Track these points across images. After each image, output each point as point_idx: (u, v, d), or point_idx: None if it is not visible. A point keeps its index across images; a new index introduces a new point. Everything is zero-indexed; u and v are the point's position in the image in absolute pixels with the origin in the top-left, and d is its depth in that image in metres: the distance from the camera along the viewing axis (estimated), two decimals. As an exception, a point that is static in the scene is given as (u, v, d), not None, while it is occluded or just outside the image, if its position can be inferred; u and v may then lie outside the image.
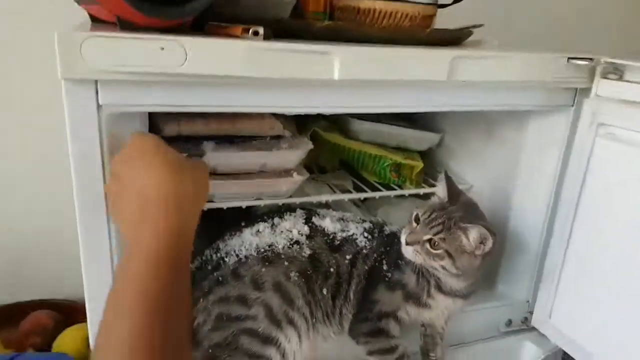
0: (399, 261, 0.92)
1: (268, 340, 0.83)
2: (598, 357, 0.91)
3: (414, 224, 0.89)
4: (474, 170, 1.25)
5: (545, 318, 1.05)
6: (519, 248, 1.12)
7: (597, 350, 0.91)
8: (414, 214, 0.91)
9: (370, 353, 0.92)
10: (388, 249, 0.94)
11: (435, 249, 0.86)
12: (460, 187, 1.20)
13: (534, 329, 1.11)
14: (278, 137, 0.98)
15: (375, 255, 0.94)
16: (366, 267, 0.92)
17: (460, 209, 0.89)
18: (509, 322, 1.13)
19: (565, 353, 1.04)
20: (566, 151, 1.00)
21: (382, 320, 0.91)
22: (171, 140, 0.89)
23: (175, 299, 0.57)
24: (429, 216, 0.87)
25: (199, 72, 0.67)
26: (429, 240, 0.86)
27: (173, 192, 0.60)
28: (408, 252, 0.88)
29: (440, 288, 0.91)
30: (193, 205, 0.64)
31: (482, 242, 0.85)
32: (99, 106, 0.64)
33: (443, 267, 0.87)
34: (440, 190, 0.94)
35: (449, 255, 0.85)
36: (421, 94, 0.86)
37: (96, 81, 0.63)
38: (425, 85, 0.85)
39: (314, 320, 0.89)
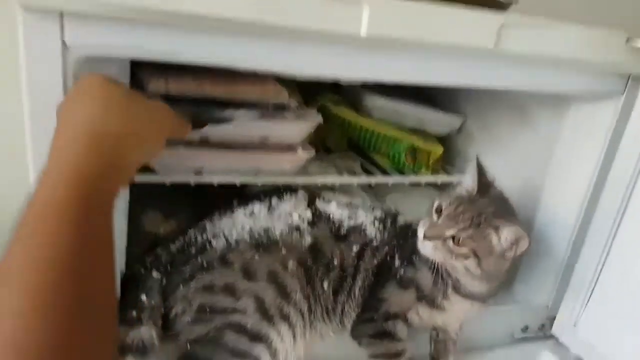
0: (413, 257, 0.82)
1: (257, 338, 0.74)
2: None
3: (435, 216, 0.79)
4: (498, 161, 1.13)
5: (568, 327, 0.96)
6: (544, 249, 1.02)
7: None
8: (436, 203, 0.80)
9: (373, 356, 0.82)
10: (401, 242, 0.85)
11: (459, 247, 0.75)
12: None
13: (552, 337, 1.02)
14: (282, 107, 0.87)
15: (386, 248, 0.84)
16: (375, 262, 0.83)
17: (492, 203, 0.78)
18: (525, 328, 1.03)
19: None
20: (611, 145, 0.89)
21: (389, 321, 0.81)
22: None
23: (86, 258, 0.46)
24: (456, 209, 0.77)
25: (192, 11, 0.55)
26: (453, 237, 0.76)
27: (102, 130, 0.51)
28: (426, 248, 0.78)
29: (458, 289, 0.82)
30: (132, 150, 0.54)
31: (514, 243, 0.75)
32: (64, 47, 0.53)
33: (466, 268, 0.77)
34: (468, 179, 0.83)
35: (475, 255, 0.75)
36: (458, 63, 0.74)
37: (61, 13, 0.51)
38: (465, 54, 0.72)
39: (312, 317, 0.80)
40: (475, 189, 0.80)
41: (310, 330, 0.79)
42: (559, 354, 0.98)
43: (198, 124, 0.66)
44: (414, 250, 0.81)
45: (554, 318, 1.01)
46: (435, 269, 0.79)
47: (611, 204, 0.88)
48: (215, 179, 0.86)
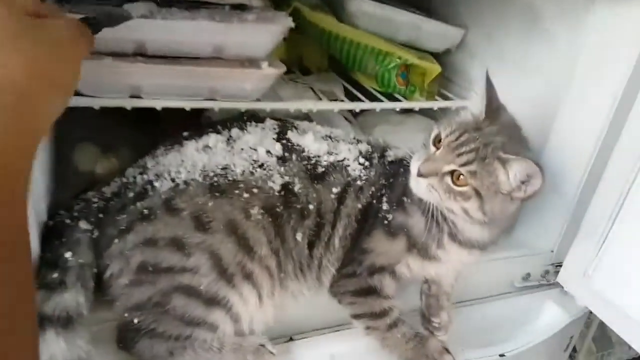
0: (404, 199, 0.72)
1: (213, 302, 0.64)
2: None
3: (433, 149, 0.68)
4: (504, 80, 0.98)
5: (577, 276, 0.88)
6: (552, 186, 0.90)
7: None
8: (434, 132, 0.69)
9: (355, 316, 0.74)
10: (391, 181, 0.74)
11: (459, 185, 0.65)
12: None
13: (555, 285, 0.94)
14: (242, 7, 0.71)
15: (372, 189, 0.73)
16: (359, 206, 0.72)
17: (502, 132, 0.67)
18: (527, 276, 0.96)
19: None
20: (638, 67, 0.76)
21: (375, 275, 0.72)
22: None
23: None
24: (458, 138, 0.66)
25: None
26: (452, 173, 0.65)
27: None
28: (420, 186, 0.68)
29: (454, 237, 0.72)
30: (42, 101, 0.40)
31: (525, 181, 0.65)
32: None
33: (464, 211, 0.67)
34: (475, 104, 0.72)
35: (478, 194, 0.65)
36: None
37: None
38: None
39: (282, 274, 0.69)
40: (483, 113, 0.69)
41: (280, 290, 0.69)
42: (564, 305, 0.91)
43: (95, 26, 0.48)
44: (405, 191, 0.71)
45: (559, 265, 0.93)
46: (430, 213, 0.69)
47: (636, 135, 0.76)
48: (158, 103, 0.71)
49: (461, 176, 0.65)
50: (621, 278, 0.80)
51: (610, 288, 0.82)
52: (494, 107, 0.70)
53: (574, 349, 1.45)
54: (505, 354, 0.82)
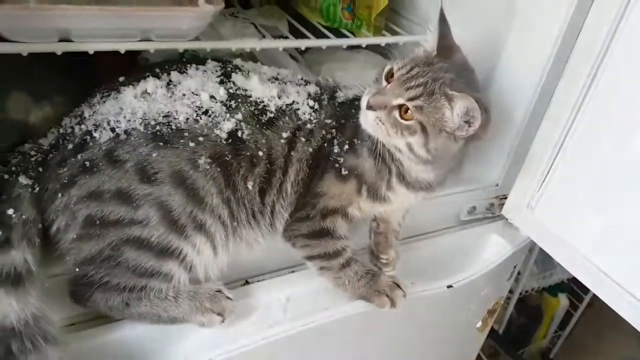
0: (355, 140, 0.74)
1: (166, 253, 0.66)
2: (596, 261, 0.82)
3: (384, 83, 0.70)
4: (453, 14, 1.02)
5: (521, 208, 0.95)
6: (498, 119, 0.94)
7: (594, 258, 0.82)
8: (387, 67, 0.71)
9: (309, 258, 0.78)
10: (342, 122, 0.76)
11: (405, 120, 0.68)
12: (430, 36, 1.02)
13: (499, 217, 1.03)
14: None
15: (323, 132, 0.75)
16: (310, 150, 0.74)
17: (452, 69, 0.70)
18: (473, 210, 1.03)
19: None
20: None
21: (328, 218, 0.76)
22: None
23: None
24: (408, 72, 0.68)
25: None
26: (400, 107, 0.68)
27: None
28: (368, 119, 0.70)
29: (403, 178, 0.76)
30: None
31: (468, 120, 0.68)
32: None
33: (409, 147, 0.70)
34: (429, 40, 0.73)
35: (423, 129, 0.68)
36: None
37: None
38: None
39: (235, 223, 0.72)
40: (435, 50, 0.71)
41: (234, 238, 0.72)
42: (508, 236, 0.99)
43: None
44: (356, 133, 0.73)
45: (503, 197, 1.01)
46: (378, 153, 0.72)
47: (581, 65, 0.81)
48: (89, 46, 0.69)
49: (408, 110, 0.67)
50: (562, 209, 0.87)
51: (552, 219, 0.89)
52: (447, 44, 0.72)
53: (518, 272, 1.61)
54: (452, 285, 0.89)
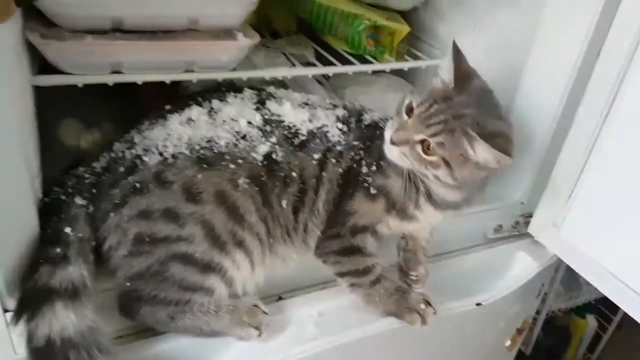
0: (382, 162, 0.78)
1: (209, 268, 0.71)
2: (624, 279, 0.84)
3: (405, 117, 0.74)
4: (472, 36, 1.09)
5: (547, 227, 0.97)
6: (521, 139, 0.99)
7: (624, 276, 0.83)
8: (406, 101, 0.75)
9: (340, 274, 0.82)
10: (368, 145, 0.80)
11: (429, 155, 0.72)
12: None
13: (526, 235, 1.05)
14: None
15: (351, 153, 0.79)
16: (340, 170, 0.79)
17: (471, 102, 0.72)
18: (499, 228, 1.06)
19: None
20: (602, 19, 0.84)
21: (358, 235, 0.80)
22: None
23: None
24: (428, 109, 0.71)
25: None
26: (422, 142, 0.71)
27: None
28: (392, 153, 0.74)
29: (430, 197, 0.80)
30: None
31: (494, 164, 0.71)
32: None
33: (435, 177, 0.74)
34: (444, 71, 0.75)
35: (447, 163, 0.72)
36: None
37: None
38: None
39: (271, 240, 0.76)
40: (452, 81, 0.73)
41: (270, 254, 0.77)
42: (534, 253, 1.02)
43: None
44: (382, 155, 0.77)
45: (529, 215, 1.03)
46: (406, 175, 0.76)
47: (601, 88, 0.84)
48: (139, 78, 0.76)
49: (430, 146, 0.71)
50: (589, 227, 0.89)
51: (578, 236, 0.90)
52: (463, 74, 0.74)
53: (544, 292, 1.61)
54: (481, 303, 0.92)
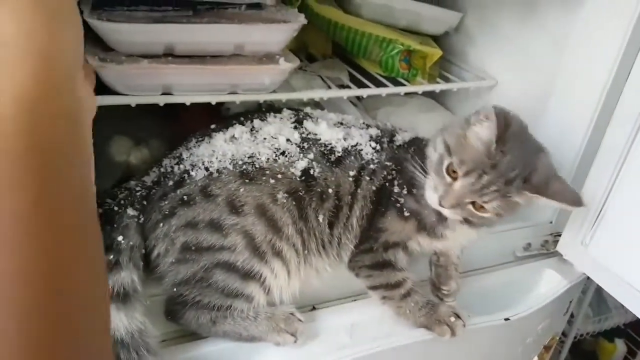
0: (414, 189, 0.81)
1: (249, 276, 0.75)
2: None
3: (447, 179, 0.75)
4: (501, 62, 1.13)
5: (576, 245, 0.98)
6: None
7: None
8: (446, 162, 0.75)
9: (372, 287, 0.85)
10: (400, 166, 0.83)
11: (481, 212, 0.75)
12: (482, 82, 1.09)
13: (554, 254, 1.06)
14: (257, 6, 0.82)
15: (384, 172, 0.82)
16: (373, 188, 0.82)
17: (516, 158, 0.72)
18: (528, 246, 1.07)
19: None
20: (631, 45, 0.86)
21: (389, 250, 0.82)
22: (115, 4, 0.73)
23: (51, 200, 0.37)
24: (478, 179, 0.72)
25: None
26: (473, 202, 0.75)
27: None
28: (444, 212, 0.77)
29: (464, 220, 0.81)
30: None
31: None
32: None
33: (486, 223, 0.79)
34: (482, 128, 0.73)
35: (499, 215, 0.76)
36: None
37: None
38: None
39: (306, 251, 0.80)
40: (494, 142, 0.71)
41: (305, 265, 0.80)
42: (563, 271, 1.03)
43: None
44: (414, 181, 0.80)
45: (557, 234, 1.04)
46: None
47: (628, 111, 0.86)
48: (187, 99, 0.81)
49: (483, 207, 0.74)
50: (616, 246, 0.90)
51: (606, 255, 0.91)
52: (503, 130, 0.72)
53: (572, 315, 1.59)
54: (509, 318, 0.92)
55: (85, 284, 0.38)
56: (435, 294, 0.91)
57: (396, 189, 0.81)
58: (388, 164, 0.82)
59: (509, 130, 0.73)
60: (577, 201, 0.75)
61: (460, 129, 0.77)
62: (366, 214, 0.81)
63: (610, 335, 1.86)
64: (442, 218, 0.81)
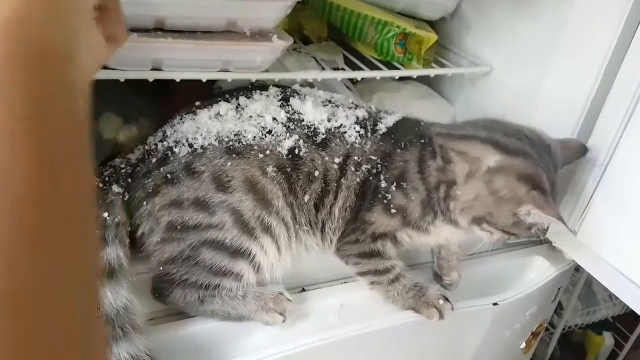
0: (402, 183, 0.78)
1: (238, 253, 0.72)
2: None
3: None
4: (496, 49, 1.11)
5: (565, 232, 0.97)
6: None
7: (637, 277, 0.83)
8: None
9: (361, 274, 0.83)
10: (386, 158, 0.79)
11: (485, 230, 0.77)
12: (477, 68, 1.07)
13: (544, 241, 1.04)
14: (252, -18, 0.78)
15: (369, 166, 0.79)
16: (357, 180, 0.78)
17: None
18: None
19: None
20: (626, 28, 0.84)
21: (378, 241, 0.80)
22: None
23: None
24: None
25: None
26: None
27: None
28: None
29: (450, 220, 0.80)
30: None
31: None
32: None
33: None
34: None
35: (504, 232, 0.78)
36: None
37: None
38: None
39: (297, 226, 0.78)
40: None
41: (295, 241, 0.78)
42: (552, 258, 1.02)
43: None
44: (404, 175, 0.78)
45: (548, 223, 1.03)
46: (427, 201, 0.78)
47: (622, 98, 0.85)
48: (177, 75, 0.78)
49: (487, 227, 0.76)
50: (604, 233, 0.90)
51: (595, 243, 0.91)
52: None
53: (561, 307, 1.58)
54: (498, 303, 0.92)
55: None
56: (440, 283, 0.91)
57: (383, 184, 0.78)
58: (373, 157, 0.79)
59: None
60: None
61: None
62: (349, 205, 0.79)
63: (598, 328, 1.85)
64: (424, 213, 0.79)
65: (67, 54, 0.37)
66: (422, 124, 0.85)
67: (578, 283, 1.54)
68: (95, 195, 0.37)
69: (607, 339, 1.86)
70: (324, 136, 0.78)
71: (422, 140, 0.80)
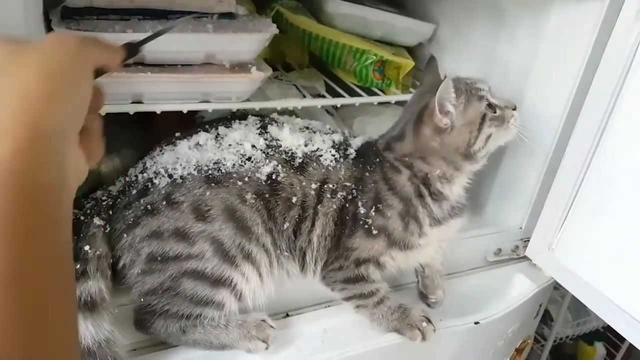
0: (379, 205, 0.78)
1: (219, 282, 0.72)
2: (618, 302, 0.83)
3: None
4: (474, 70, 1.11)
5: (543, 249, 0.98)
6: (519, 167, 1.03)
7: (613, 294, 0.83)
8: None
9: (347, 298, 0.83)
10: (360, 183, 0.80)
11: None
12: None
13: (524, 259, 1.06)
14: (229, 15, 0.79)
15: (344, 193, 0.79)
16: (334, 207, 0.78)
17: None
18: (498, 251, 1.06)
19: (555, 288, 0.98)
20: (595, 49, 0.86)
21: (362, 266, 0.80)
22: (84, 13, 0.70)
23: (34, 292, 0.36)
24: None
25: None
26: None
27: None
28: None
29: (434, 219, 0.81)
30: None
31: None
32: None
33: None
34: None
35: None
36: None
37: None
38: None
39: (278, 251, 0.77)
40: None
41: (277, 267, 0.77)
42: (532, 276, 1.02)
43: (133, 50, 0.57)
44: (379, 196, 0.78)
45: (527, 240, 1.04)
46: (407, 212, 0.78)
47: (592, 119, 0.86)
48: (158, 107, 0.78)
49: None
50: (581, 250, 0.90)
51: (572, 259, 0.91)
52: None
53: (551, 319, 1.57)
54: (479, 322, 0.91)
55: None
56: (424, 301, 0.90)
57: (362, 210, 0.78)
58: (347, 184, 0.79)
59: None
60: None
61: None
62: (328, 234, 0.78)
63: (590, 339, 1.85)
64: (410, 228, 0.79)
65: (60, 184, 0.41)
66: (376, 142, 0.86)
67: (567, 295, 1.53)
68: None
69: (599, 349, 1.85)
70: (301, 160, 0.78)
71: (378, 159, 0.82)
